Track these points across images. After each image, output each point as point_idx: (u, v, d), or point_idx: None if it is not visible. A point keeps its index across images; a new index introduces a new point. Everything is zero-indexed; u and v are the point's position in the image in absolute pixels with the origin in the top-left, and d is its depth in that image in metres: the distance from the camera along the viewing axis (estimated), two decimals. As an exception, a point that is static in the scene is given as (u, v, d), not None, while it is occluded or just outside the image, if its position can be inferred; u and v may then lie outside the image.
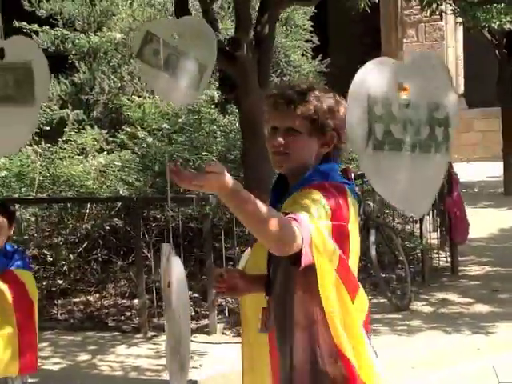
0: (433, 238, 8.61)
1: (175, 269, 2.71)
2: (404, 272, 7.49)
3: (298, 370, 2.68)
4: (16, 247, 4.66)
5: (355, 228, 2.74)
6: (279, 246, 2.44)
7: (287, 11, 12.09)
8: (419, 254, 8.21)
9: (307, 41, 12.08)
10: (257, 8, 6.50)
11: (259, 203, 2.39)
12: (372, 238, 7.23)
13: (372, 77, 2.12)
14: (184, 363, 2.83)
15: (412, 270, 7.93)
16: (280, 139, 2.72)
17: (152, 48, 3.32)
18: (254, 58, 5.46)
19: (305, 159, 2.73)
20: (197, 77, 3.21)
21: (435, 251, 8.52)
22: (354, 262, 2.73)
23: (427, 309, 7.25)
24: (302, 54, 11.81)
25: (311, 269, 2.53)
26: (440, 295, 7.59)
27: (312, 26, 12.16)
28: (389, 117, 2.12)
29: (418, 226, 8.25)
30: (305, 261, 2.49)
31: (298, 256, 2.47)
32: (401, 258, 7.58)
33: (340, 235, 2.63)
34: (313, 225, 2.51)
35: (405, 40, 14.26)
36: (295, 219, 2.48)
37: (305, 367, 2.68)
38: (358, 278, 2.72)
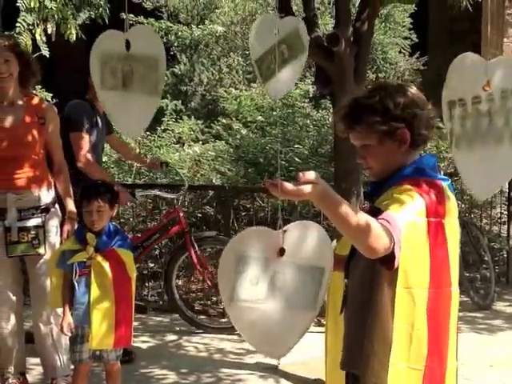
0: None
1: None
2: (489, 272, 7.48)
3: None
4: (118, 228, 4.75)
5: (454, 224, 2.81)
6: (369, 251, 2.49)
7: (387, 8, 12.08)
8: (505, 255, 8.19)
9: (406, 38, 11.97)
10: (357, 4, 6.57)
11: (351, 208, 2.42)
12: (457, 237, 7.25)
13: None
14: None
15: (497, 270, 7.91)
16: (359, 160, 2.89)
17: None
18: (352, 54, 5.45)
19: (388, 164, 2.81)
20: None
21: (522, 253, 8.46)
22: (452, 258, 2.79)
23: (510, 309, 7.24)
24: (400, 51, 11.73)
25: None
26: (523, 297, 7.58)
27: (411, 24, 12.05)
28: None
29: (505, 227, 8.22)
30: (397, 263, 2.57)
31: (388, 257, 2.53)
32: (486, 258, 7.56)
33: (436, 232, 2.70)
34: (405, 226, 2.57)
35: (505, 40, 14.00)
36: (388, 221, 2.53)
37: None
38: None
